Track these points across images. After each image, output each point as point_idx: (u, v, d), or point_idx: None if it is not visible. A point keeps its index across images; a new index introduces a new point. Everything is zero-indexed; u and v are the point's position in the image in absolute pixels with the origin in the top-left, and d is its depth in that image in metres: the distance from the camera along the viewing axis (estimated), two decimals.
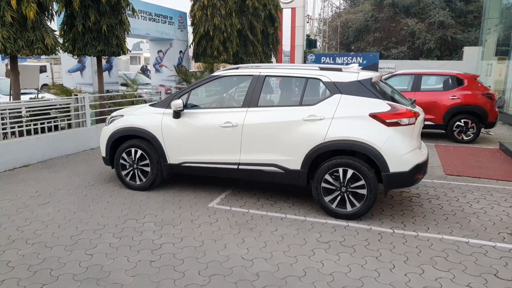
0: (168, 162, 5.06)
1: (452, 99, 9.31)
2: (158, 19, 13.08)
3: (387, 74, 10.69)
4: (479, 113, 9.18)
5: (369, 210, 4.40)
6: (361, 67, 5.09)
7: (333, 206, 4.42)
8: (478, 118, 9.22)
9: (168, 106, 5.01)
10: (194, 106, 5.14)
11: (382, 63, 23.29)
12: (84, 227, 4.05)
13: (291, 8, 26.05)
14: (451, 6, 28.22)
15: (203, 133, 4.87)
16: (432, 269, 3.34)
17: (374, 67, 21.89)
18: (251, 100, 4.74)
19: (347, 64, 22.81)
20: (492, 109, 9.23)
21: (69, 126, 7.56)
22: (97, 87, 9.41)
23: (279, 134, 4.54)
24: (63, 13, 8.15)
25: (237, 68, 5.14)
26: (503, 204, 5.03)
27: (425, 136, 9.98)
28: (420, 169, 4.39)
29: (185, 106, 4.97)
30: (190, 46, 14.59)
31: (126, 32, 8.73)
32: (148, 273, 3.17)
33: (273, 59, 19.37)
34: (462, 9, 28.26)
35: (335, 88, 4.48)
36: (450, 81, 9.65)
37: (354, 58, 23.04)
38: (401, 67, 21.98)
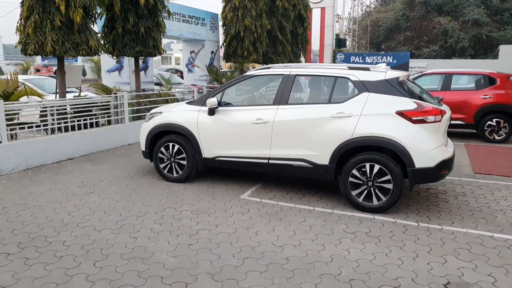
0: (203, 156, 5.38)
1: (484, 98, 9.21)
2: (191, 21, 13.54)
3: (417, 73, 10.66)
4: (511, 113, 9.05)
5: (394, 204, 4.55)
6: (389, 67, 5.23)
7: (360, 199, 4.61)
8: (511, 118, 9.09)
9: (203, 104, 5.34)
10: (227, 104, 5.44)
11: (413, 62, 22.95)
12: (127, 214, 4.42)
13: (321, 7, 26.06)
14: (486, 3, 27.42)
15: (235, 129, 5.16)
16: (454, 260, 3.48)
17: (404, 67, 21.62)
18: (282, 98, 4.99)
19: (376, 63, 22.66)
20: None
21: (109, 122, 8.05)
22: (134, 86, 9.91)
23: (308, 130, 4.76)
24: (104, 16, 8.67)
25: (269, 68, 5.40)
26: None
27: (455, 135, 9.92)
28: (445, 165, 4.51)
29: (219, 104, 5.28)
30: (221, 47, 14.99)
31: (162, 33, 9.17)
32: (187, 254, 3.48)
33: (302, 59, 19.53)
34: (498, 6, 27.41)
35: (363, 86, 4.66)
36: (482, 80, 9.54)
37: (384, 57, 22.81)
38: (433, 67, 21.57)
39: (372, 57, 23.28)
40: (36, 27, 6.54)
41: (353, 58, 23.18)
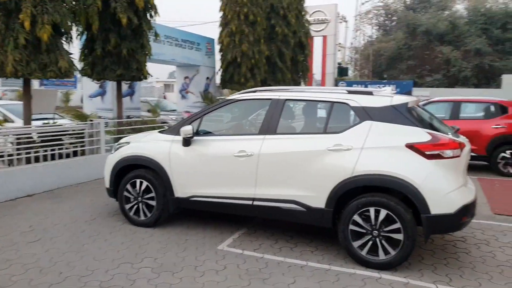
0: (175, 195, 4.53)
1: (496, 128, 8.43)
2: (185, 45, 13.00)
3: (424, 101, 9.95)
4: None
5: (406, 259, 3.68)
6: (394, 92, 4.49)
7: (363, 253, 3.73)
8: None
9: (177, 132, 4.53)
10: (207, 133, 4.65)
11: (416, 91, 22.42)
12: (69, 272, 3.50)
13: (323, 36, 25.88)
14: (487, 33, 27.18)
15: (214, 163, 4.35)
16: None
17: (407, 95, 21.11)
18: (269, 127, 4.20)
19: None
20: None
21: (83, 153, 7.23)
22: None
23: (300, 166, 3.94)
24: (84, 36, 8.04)
25: (255, 92, 4.64)
26: None
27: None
28: (467, 211, 3.67)
29: (197, 132, 4.48)
30: (217, 73, 14.42)
31: (147, 56, 8.52)
32: None
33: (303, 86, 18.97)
34: (499, 36, 27.13)
35: (365, 113, 3.87)
36: (493, 109, 8.80)
37: (387, 86, 22.29)
38: (436, 95, 20.96)
39: (374, 85, 22.77)
40: None
41: (355, 86, 22.70)
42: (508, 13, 27.47)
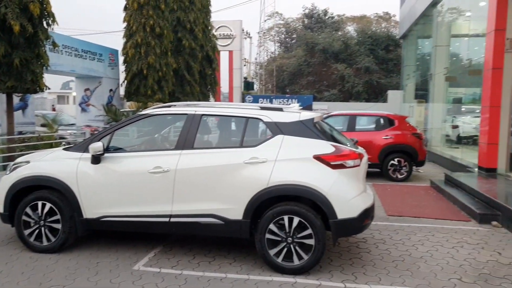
0: (84, 216, 4.25)
1: (385, 138, 9.52)
2: (86, 56, 12.25)
3: (324, 115, 10.80)
4: (410, 152, 9.44)
5: (318, 263, 3.96)
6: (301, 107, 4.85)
7: (279, 260, 3.92)
8: (409, 157, 9.46)
9: (85, 150, 4.28)
10: (118, 150, 4.46)
11: (316, 105, 24.05)
12: None
13: (229, 50, 26.49)
14: (374, 53, 30.55)
15: (127, 180, 4.19)
16: None
17: (308, 109, 22.53)
18: (186, 142, 4.20)
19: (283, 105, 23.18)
20: (421, 148, 9.58)
21: None
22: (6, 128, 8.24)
23: (217, 179, 4.02)
24: None
25: (170, 106, 4.61)
26: (446, 245, 4.88)
27: None
28: (368, 214, 4.11)
29: (107, 149, 4.29)
30: (122, 85, 13.82)
31: (44, 67, 7.84)
32: None
33: (212, 100, 19.12)
34: (384, 56, 30.70)
35: (277, 128, 4.11)
36: (382, 122, 9.92)
37: (290, 100, 23.57)
38: (333, 109, 22.89)
39: (278, 99, 23.93)
40: None
41: (261, 100, 23.54)
42: (389, 36, 31.30)
